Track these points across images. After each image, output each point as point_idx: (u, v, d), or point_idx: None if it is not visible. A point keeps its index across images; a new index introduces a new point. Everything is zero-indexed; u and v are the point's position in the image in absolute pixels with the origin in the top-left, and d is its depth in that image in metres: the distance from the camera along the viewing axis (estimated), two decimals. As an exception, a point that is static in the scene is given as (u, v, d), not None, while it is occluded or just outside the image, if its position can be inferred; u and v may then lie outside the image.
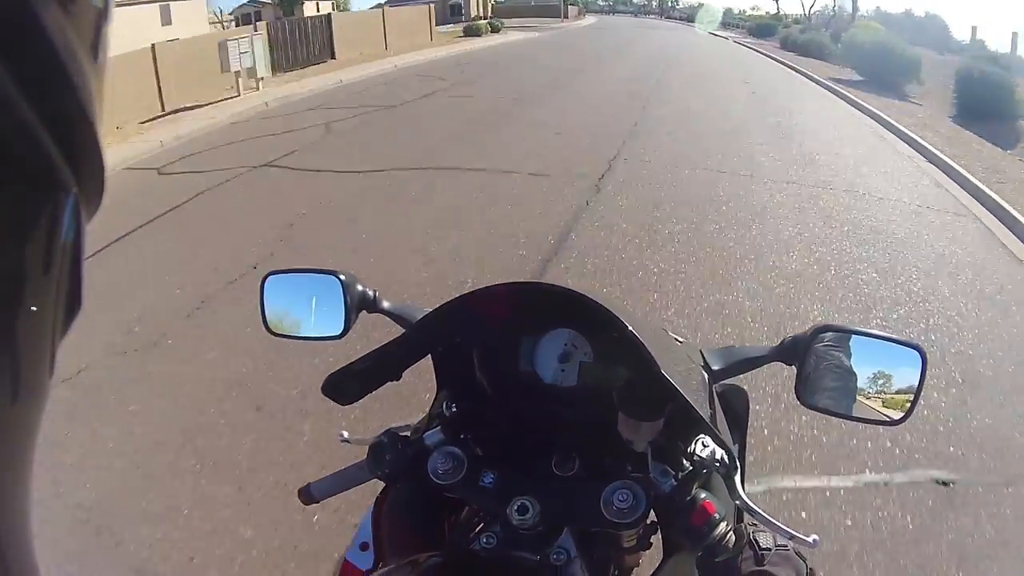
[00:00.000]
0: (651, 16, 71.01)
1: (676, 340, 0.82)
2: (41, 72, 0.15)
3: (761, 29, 31.23)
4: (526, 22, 30.67)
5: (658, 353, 0.61)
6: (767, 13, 47.96)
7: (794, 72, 13.93)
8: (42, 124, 0.16)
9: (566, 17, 39.49)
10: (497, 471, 0.69)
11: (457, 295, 0.69)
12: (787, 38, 20.96)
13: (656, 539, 0.76)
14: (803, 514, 1.88)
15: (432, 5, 19.23)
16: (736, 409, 0.82)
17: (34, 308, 0.17)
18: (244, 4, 30.62)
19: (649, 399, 0.66)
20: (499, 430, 0.75)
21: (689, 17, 48.23)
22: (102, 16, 0.18)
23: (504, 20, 26.85)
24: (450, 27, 24.59)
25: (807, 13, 33.72)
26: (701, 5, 55.72)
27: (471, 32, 21.56)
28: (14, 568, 0.17)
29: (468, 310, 0.70)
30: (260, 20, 19.53)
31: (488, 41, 19.68)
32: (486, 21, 24.39)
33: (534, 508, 0.65)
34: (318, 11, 21.17)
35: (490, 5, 41.32)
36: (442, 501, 0.76)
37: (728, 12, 52.47)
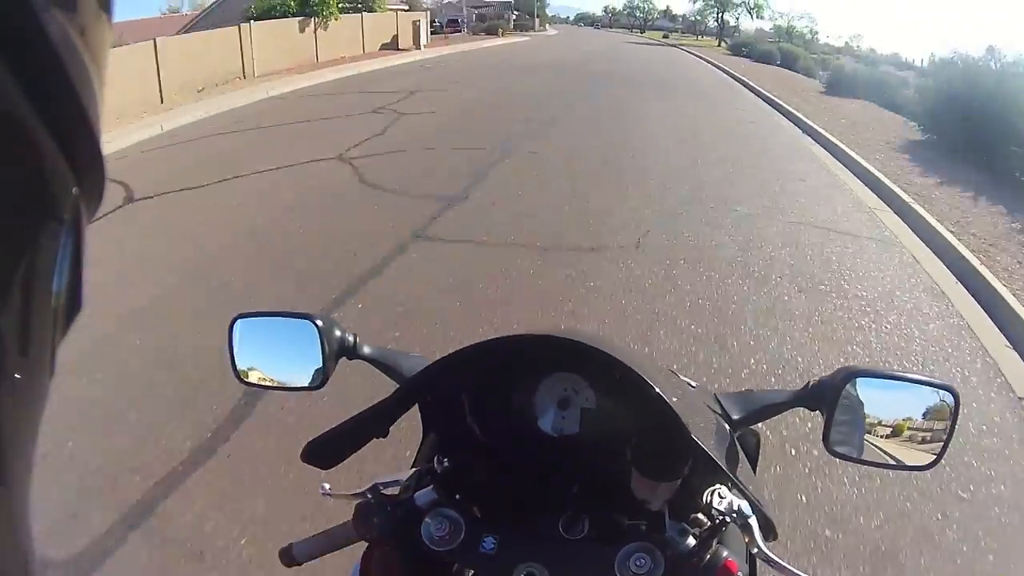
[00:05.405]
0: (635, 31, 47.07)
1: (688, 385, 0.75)
2: (41, 72, 0.15)
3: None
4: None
5: (677, 405, 0.56)
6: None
7: None
8: (42, 124, 0.16)
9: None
10: (499, 534, 0.63)
11: (452, 351, 0.65)
12: None
13: None
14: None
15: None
16: (747, 450, 0.78)
17: (34, 309, 0.17)
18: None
19: (669, 457, 0.61)
20: (497, 485, 0.69)
21: (691, 28, 23.82)
22: (103, 16, 0.18)
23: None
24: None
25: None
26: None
27: None
28: (18, 567, 0.17)
29: (464, 365, 0.66)
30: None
31: None
32: None
33: None
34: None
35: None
36: (434, 558, 0.70)
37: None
